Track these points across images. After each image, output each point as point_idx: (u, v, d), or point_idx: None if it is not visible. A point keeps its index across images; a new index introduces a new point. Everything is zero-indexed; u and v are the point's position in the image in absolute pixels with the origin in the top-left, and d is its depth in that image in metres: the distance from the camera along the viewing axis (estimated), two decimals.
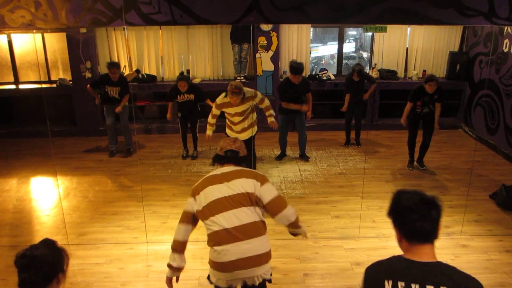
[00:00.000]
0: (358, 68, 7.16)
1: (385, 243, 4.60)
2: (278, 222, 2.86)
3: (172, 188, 5.98)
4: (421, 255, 1.81)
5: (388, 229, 4.93)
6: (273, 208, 2.78)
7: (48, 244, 2.07)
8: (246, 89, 5.50)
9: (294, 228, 2.95)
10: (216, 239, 2.74)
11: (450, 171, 6.51)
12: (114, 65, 6.82)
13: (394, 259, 1.89)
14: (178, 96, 6.77)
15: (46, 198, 5.81)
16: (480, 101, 7.88)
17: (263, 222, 2.83)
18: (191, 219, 2.92)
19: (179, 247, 2.94)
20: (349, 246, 4.54)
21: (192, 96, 6.77)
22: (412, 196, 1.85)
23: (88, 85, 7.03)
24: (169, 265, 2.95)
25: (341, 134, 8.00)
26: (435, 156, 7.13)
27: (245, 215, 2.72)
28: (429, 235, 1.83)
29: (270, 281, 2.88)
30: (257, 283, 2.79)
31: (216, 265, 2.76)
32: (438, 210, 1.82)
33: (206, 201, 2.79)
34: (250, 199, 2.75)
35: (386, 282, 1.82)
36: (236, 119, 5.65)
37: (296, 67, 6.29)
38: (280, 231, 4.72)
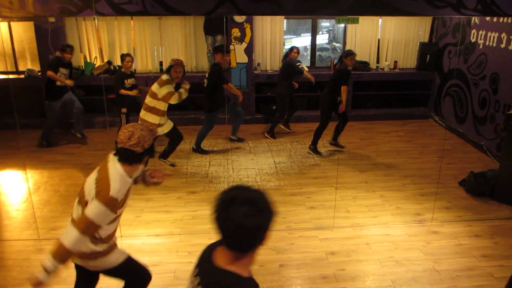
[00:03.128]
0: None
1: (359, 232, 4.68)
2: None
3: None
4: (224, 258, 1.64)
5: (362, 219, 5.04)
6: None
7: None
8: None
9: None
10: None
11: (421, 160, 6.66)
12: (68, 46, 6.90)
13: (209, 249, 1.76)
14: (126, 81, 6.54)
15: (15, 192, 5.66)
16: (449, 90, 8.07)
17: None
18: None
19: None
20: (324, 236, 4.61)
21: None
22: (237, 190, 1.62)
23: (49, 71, 6.82)
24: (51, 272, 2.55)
25: (315, 125, 8.07)
26: (407, 145, 7.28)
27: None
28: (224, 239, 1.62)
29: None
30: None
31: None
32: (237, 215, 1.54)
33: None
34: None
35: (195, 268, 1.78)
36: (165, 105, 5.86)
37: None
38: None
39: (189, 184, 5.83)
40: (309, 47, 8.94)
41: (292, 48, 7.41)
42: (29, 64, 8.09)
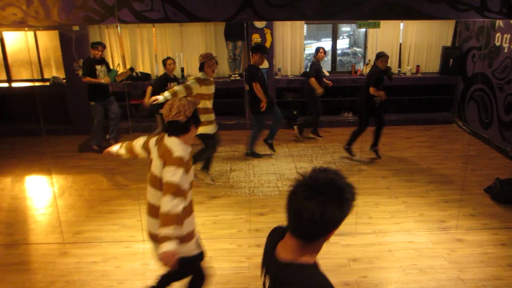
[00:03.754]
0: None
1: (381, 238, 4.62)
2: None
3: None
4: (289, 250, 1.54)
5: (384, 225, 4.97)
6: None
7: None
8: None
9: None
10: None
11: (445, 166, 6.54)
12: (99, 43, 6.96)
13: (273, 243, 1.63)
14: (169, 84, 6.58)
15: (41, 196, 5.79)
16: (474, 95, 7.92)
17: None
18: None
19: None
20: (346, 243, 4.56)
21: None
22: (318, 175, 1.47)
23: (85, 77, 6.92)
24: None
25: (337, 130, 8.03)
26: (430, 151, 7.16)
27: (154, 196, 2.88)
28: (295, 227, 1.49)
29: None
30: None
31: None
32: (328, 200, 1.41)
33: None
34: (159, 182, 2.80)
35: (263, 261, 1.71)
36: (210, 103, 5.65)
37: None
38: None
39: (210, 189, 5.85)
40: (329, 52, 8.91)
41: (318, 49, 7.44)
42: (54, 71, 8.29)
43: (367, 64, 8.54)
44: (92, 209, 5.38)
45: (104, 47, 7.06)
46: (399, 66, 8.74)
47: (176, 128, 2.82)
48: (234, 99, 8.19)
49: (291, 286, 1.47)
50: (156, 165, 2.83)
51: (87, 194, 5.79)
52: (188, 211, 2.91)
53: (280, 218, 5.01)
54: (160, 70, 8.42)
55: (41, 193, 5.91)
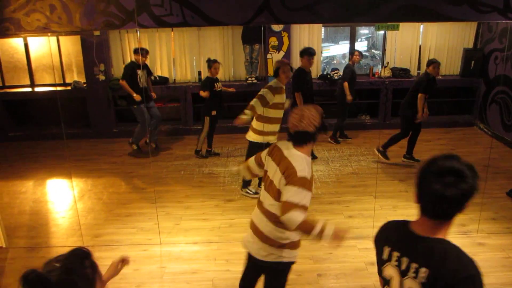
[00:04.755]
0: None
1: None
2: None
3: (185, 189, 6.01)
4: (425, 228, 1.73)
5: None
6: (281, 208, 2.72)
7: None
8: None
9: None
10: None
11: None
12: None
13: (400, 226, 1.84)
14: (216, 85, 6.72)
15: (62, 200, 5.88)
16: (496, 97, 7.77)
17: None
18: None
19: None
20: (363, 246, 4.51)
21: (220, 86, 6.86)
22: (442, 160, 1.67)
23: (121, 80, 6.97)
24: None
25: (354, 133, 7.96)
26: None
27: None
28: (439, 212, 1.68)
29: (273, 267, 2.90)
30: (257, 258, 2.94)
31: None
32: (461, 187, 1.62)
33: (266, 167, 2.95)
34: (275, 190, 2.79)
35: (385, 248, 1.85)
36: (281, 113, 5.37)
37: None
38: None
39: (226, 192, 5.87)
40: (347, 54, 8.86)
41: (353, 52, 7.50)
42: (75, 76, 8.43)
43: (386, 66, 8.46)
44: (110, 212, 5.45)
45: (147, 52, 7.15)
46: (419, 68, 8.62)
47: (304, 139, 2.76)
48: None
49: (442, 258, 1.65)
50: (273, 172, 2.81)
51: (106, 197, 5.87)
52: None
53: None
54: (177, 74, 8.50)
55: (61, 197, 6.01)
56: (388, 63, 8.50)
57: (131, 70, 6.88)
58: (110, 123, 8.32)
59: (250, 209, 5.36)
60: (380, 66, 8.83)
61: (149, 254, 4.51)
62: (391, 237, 1.85)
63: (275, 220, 2.79)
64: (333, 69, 8.52)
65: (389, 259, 1.82)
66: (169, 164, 6.92)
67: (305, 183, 2.65)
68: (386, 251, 1.84)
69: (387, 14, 3.99)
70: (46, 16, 3.97)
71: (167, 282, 4.08)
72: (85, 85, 8.21)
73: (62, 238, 4.87)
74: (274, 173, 2.79)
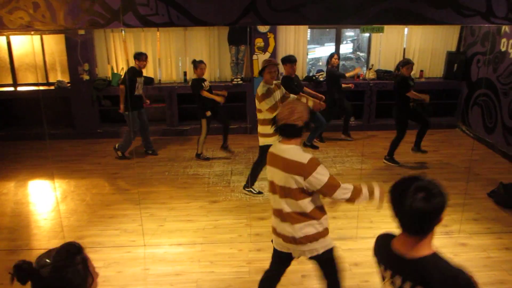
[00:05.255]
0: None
1: None
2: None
3: (169, 190, 5.97)
4: (408, 247, 1.80)
5: (386, 229, 4.92)
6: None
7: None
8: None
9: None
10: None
11: (448, 170, 6.51)
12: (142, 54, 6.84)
13: (387, 244, 1.90)
14: (203, 84, 6.71)
15: (44, 201, 5.79)
16: (478, 100, 7.89)
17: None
18: None
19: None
20: (347, 247, 4.53)
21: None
22: (409, 181, 1.76)
23: (121, 85, 6.80)
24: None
25: (339, 135, 8.01)
26: (433, 155, 7.13)
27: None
28: (418, 229, 1.76)
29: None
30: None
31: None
32: (430, 201, 1.72)
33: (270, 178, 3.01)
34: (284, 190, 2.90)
35: (380, 265, 1.96)
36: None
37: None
38: None
39: (211, 194, 5.85)
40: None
41: (332, 55, 7.56)
42: (59, 75, 8.32)
43: (370, 68, 8.53)
44: (94, 213, 5.38)
45: (146, 57, 6.89)
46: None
47: (292, 132, 2.85)
48: (236, 103, 8.19)
49: (432, 275, 1.71)
50: (281, 177, 2.87)
51: (89, 198, 5.80)
52: (324, 209, 3.03)
53: None
54: (163, 75, 8.46)
55: (44, 198, 5.92)
56: (373, 65, 8.58)
57: (132, 77, 6.66)
58: (94, 123, 8.22)
59: (235, 210, 5.37)
60: (365, 68, 8.90)
61: (132, 256, 4.47)
62: (383, 255, 1.94)
63: (302, 217, 2.90)
64: (318, 71, 8.56)
65: (385, 277, 1.93)
66: (153, 165, 6.87)
67: (316, 161, 2.79)
68: (381, 268, 1.95)
69: (372, 16, 4.03)
70: (30, 14, 3.91)
71: (151, 284, 4.04)
72: (69, 84, 8.11)
73: (44, 240, 4.80)
74: (284, 178, 2.85)
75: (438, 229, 4.41)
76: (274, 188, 2.98)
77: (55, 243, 4.59)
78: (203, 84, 6.67)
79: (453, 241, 4.65)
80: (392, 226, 1.85)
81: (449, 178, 6.21)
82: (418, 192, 1.70)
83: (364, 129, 8.27)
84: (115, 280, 4.08)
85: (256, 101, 5.27)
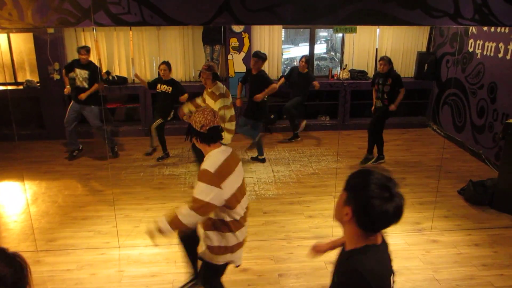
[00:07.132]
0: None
1: None
2: None
3: (144, 191, 5.90)
4: (353, 241, 1.82)
5: None
6: None
7: (7, 258, 1.50)
8: (220, 85, 5.68)
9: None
10: (238, 224, 3.09)
11: (420, 169, 6.65)
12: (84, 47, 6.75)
13: (375, 253, 1.86)
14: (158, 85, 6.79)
15: (13, 203, 5.63)
16: (448, 99, 8.09)
17: None
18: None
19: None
20: None
21: (170, 89, 6.76)
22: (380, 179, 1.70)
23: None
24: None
25: (314, 134, 8.08)
26: (405, 154, 7.28)
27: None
28: (380, 228, 1.78)
29: None
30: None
31: (238, 246, 3.14)
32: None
33: (231, 190, 2.99)
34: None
35: (391, 277, 1.93)
36: None
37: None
38: (255, 232, 4.73)
39: (187, 194, 5.80)
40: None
41: (300, 58, 7.75)
42: (28, 75, 8.10)
43: (344, 68, 8.63)
44: (66, 215, 5.27)
45: (88, 50, 6.75)
46: (375, 70, 8.83)
47: (217, 134, 3.03)
48: None
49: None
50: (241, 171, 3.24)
51: (61, 200, 5.67)
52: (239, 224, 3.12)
53: (257, 222, 5.01)
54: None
55: (13, 200, 5.75)
56: (346, 65, 8.68)
57: (68, 66, 6.86)
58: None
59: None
60: (338, 68, 9.00)
61: (106, 258, 4.40)
62: (386, 265, 1.99)
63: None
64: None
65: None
66: (127, 166, 6.78)
67: (208, 178, 2.91)
68: (392, 279, 2.01)
69: (345, 17, 4.08)
70: None
71: (126, 286, 3.99)
72: (38, 84, 7.91)
73: (14, 243, 4.66)
74: (239, 173, 3.24)
75: (411, 226, 4.50)
76: (236, 197, 3.15)
77: (26, 246, 4.46)
78: (159, 85, 6.83)
79: (425, 238, 4.75)
80: None
81: (421, 176, 6.36)
82: (384, 190, 1.66)
83: (338, 129, 8.37)
84: (89, 283, 4.00)
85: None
